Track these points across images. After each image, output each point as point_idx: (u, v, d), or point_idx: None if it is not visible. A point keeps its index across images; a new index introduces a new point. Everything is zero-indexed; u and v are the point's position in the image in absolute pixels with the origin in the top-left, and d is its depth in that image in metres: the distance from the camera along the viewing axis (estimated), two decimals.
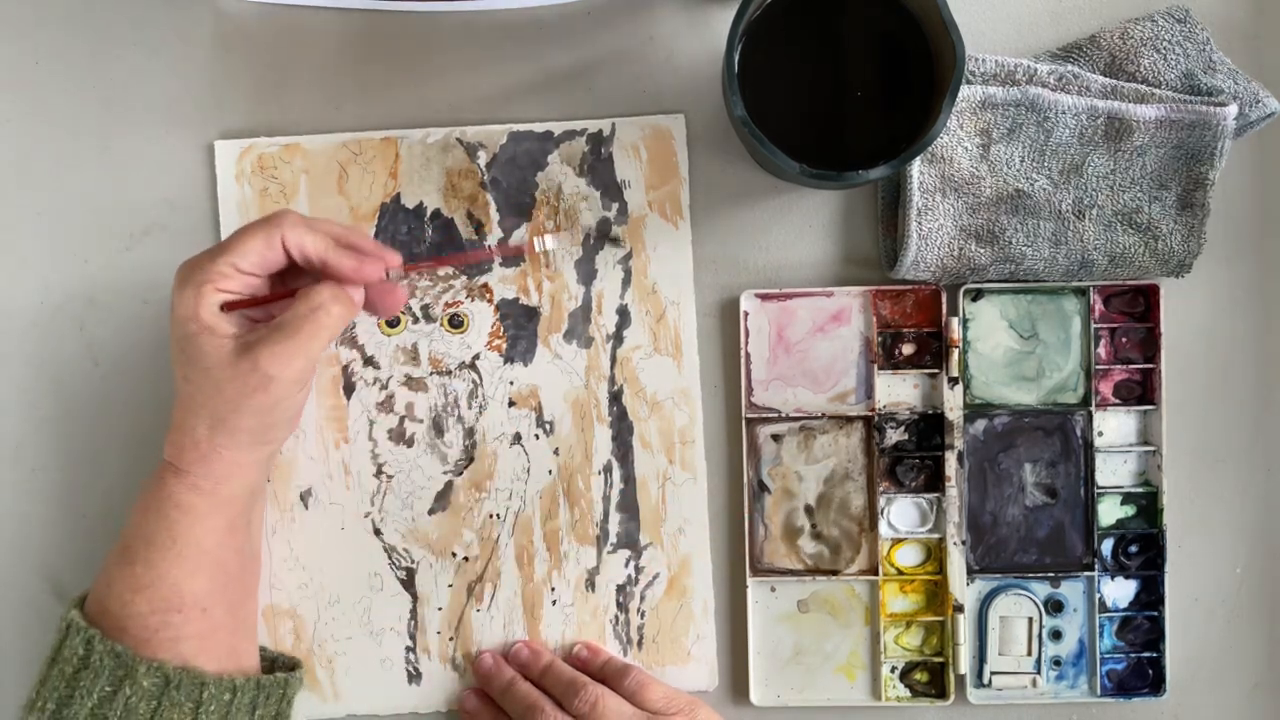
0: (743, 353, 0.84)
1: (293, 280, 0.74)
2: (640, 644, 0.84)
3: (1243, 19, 0.84)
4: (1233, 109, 0.78)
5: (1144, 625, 0.83)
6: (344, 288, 0.72)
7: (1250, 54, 0.83)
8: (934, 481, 0.84)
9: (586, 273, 0.84)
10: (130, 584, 0.71)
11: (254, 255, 0.71)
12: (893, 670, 0.84)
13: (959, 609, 0.82)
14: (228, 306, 0.71)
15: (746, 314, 0.84)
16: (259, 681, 0.74)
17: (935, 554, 0.84)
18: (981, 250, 0.80)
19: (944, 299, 0.83)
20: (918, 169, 0.79)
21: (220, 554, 0.73)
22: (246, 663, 0.76)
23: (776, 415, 0.84)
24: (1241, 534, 0.85)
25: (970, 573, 0.83)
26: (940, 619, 0.83)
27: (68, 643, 0.71)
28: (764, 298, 0.84)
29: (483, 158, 0.84)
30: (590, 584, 0.84)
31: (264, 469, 0.76)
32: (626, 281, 0.84)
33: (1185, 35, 0.81)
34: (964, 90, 0.78)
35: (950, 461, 0.83)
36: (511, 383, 0.84)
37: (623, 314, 0.84)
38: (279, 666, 0.79)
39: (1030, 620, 0.83)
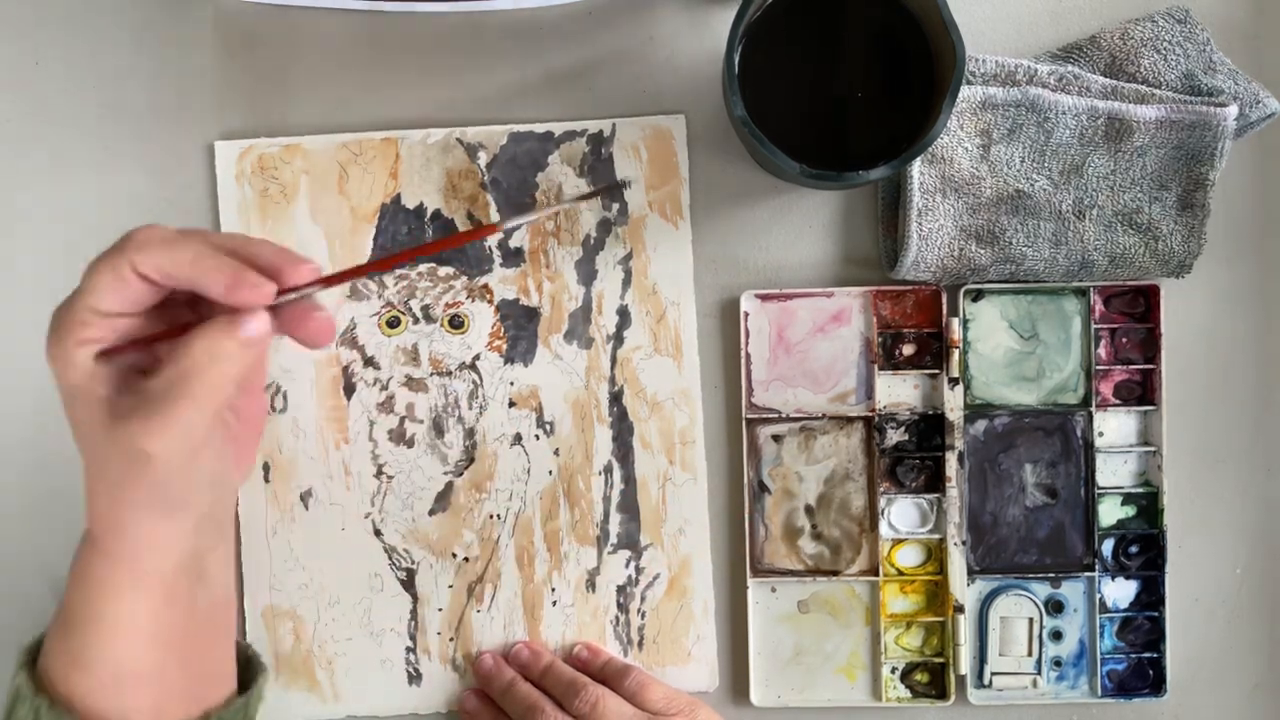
0: (743, 353, 0.84)
1: (196, 307, 0.62)
2: (640, 644, 0.84)
3: (1243, 19, 0.84)
4: (1233, 109, 0.78)
5: (1144, 626, 0.83)
6: (235, 323, 0.58)
7: (1250, 54, 0.83)
8: (934, 482, 0.84)
9: (587, 273, 0.84)
10: (68, 660, 0.63)
11: (107, 293, 0.58)
12: (893, 671, 0.84)
13: (959, 609, 0.83)
14: (104, 354, 0.60)
15: (747, 314, 0.84)
16: (220, 716, 0.67)
17: (935, 554, 0.84)
18: (982, 251, 0.81)
19: (944, 299, 0.83)
20: (918, 169, 0.79)
21: (159, 627, 0.64)
22: (213, 700, 0.68)
23: (777, 416, 0.84)
24: (1242, 534, 0.85)
25: (971, 573, 0.83)
26: (941, 619, 0.84)
27: (17, 710, 0.63)
28: (764, 298, 0.84)
29: (483, 158, 0.84)
30: (590, 584, 0.84)
31: (199, 535, 0.64)
32: (627, 282, 0.84)
33: (1185, 36, 0.81)
34: (964, 90, 0.78)
35: (950, 462, 0.83)
36: (512, 383, 0.84)
37: (623, 314, 0.84)
38: (252, 666, 0.73)
39: (1031, 621, 0.83)
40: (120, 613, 0.63)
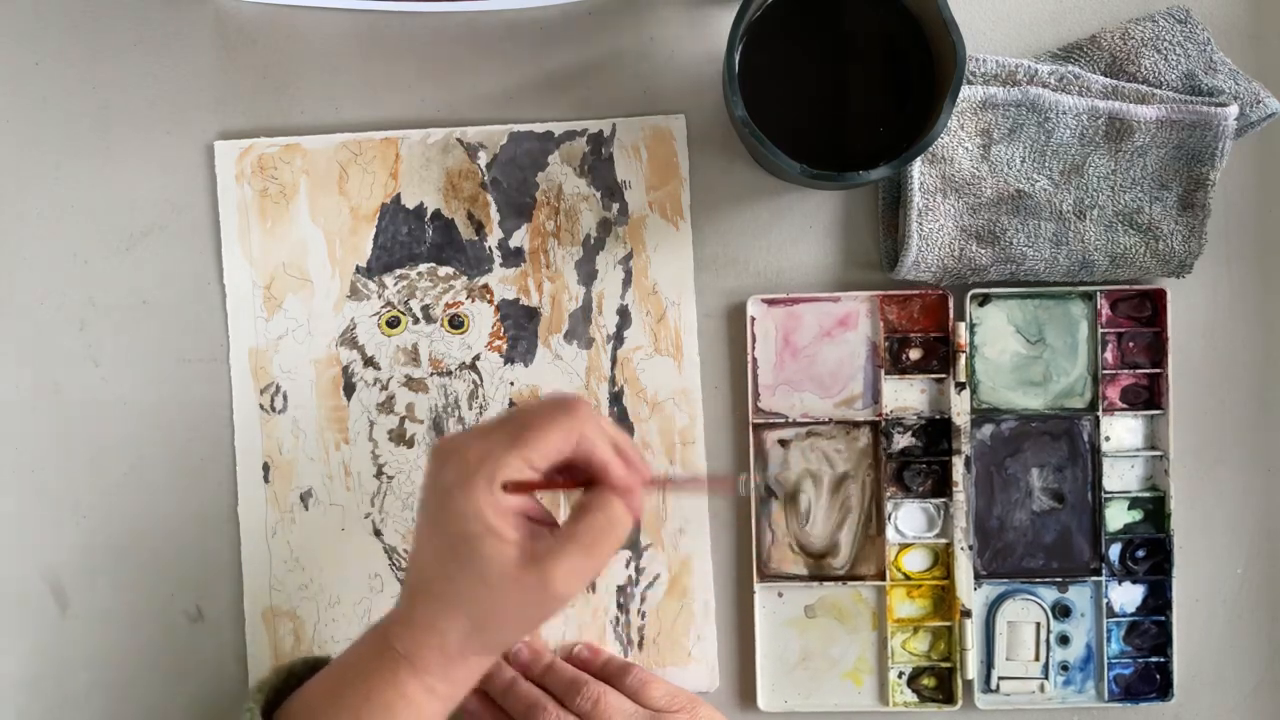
0: (749, 358, 0.89)
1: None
2: (641, 645, 0.89)
3: (1243, 19, 0.89)
4: (1233, 109, 0.83)
5: (1151, 630, 0.89)
6: (628, 504, 0.72)
7: (1250, 54, 0.88)
8: (941, 486, 0.89)
9: (587, 273, 0.89)
10: None
11: (552, 451, 0.69)
12: (900, 675, 0.89)
13: (966, 614, 0.88)
14: (508, 487, 0.69)
15: (753, 319, 0.89)
16: None
17: (943, 559, 0.89)
18: (982, 251, 0.86)
19: (950, 303, 0.88)
20: (918, 169, 0.84)
21: None
22: None
23: (783, 420, 0.89)
24: (1243, 534, 0.90)
25: (978, 577, 0.89)
26: (948, 624, 0.89)
27: None
28: (770, 303, 0.89)
29: (483, 158, 0.89)
30: (590, 585, 0.89)
31: None
32: (627, 282, 0.89)
33: (1186, 35, 0.86)
34: (965, 90, 0.83)
35: (957, 466, 0.88)
36: (512, 383, 0.89)
37: (623, 314, 0.89)
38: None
39: (1038, 625, 0.88)
40: None
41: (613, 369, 0.90)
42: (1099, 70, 0.87)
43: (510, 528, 0.69)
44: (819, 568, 0.90)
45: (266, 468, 0.90)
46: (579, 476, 0.73)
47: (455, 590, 0.69)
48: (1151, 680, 0.90)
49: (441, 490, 0.69)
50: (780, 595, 0.90)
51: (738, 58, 0.79)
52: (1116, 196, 0.86)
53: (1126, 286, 0.89)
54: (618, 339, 0.90)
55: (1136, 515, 0.90)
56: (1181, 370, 0.90)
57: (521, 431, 0.69)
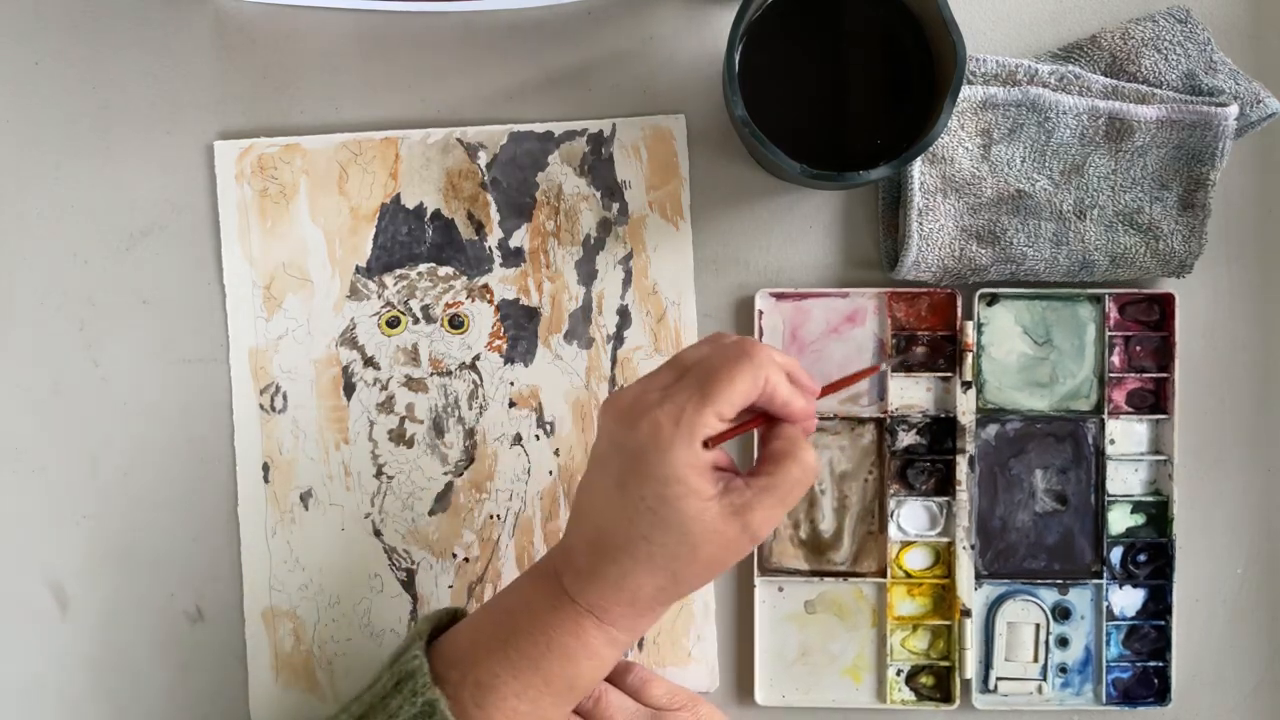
0: None
1: None
2: (640, 644, 0.91)
3: (1243, 19, 0.91)
4: (1234, 109, 0.85)
5: (1151, 634, 0.91)
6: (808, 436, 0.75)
7: (1250, 54, 0.90)
8: (944, 485, 0.91)
9: (587, 273, 0.91)
10: (505, 693, 0.74)
11: (740, 401, 0.71)
12: (898, 673, 0.91)
13: (966, 613, 0.90)
14: (708, 444, 0.71)
15: (761, 313, 0.91)
16: None
17: (944, 558, 0.91)
18: (983, 251, 0.88)
19: (959, 303, 0.90)
20: (918, 169, 0.86)
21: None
22: None
23: None
24: (1243, 534, 0.92)
25: (978, 577, 0.91)
26: (947, 623, 0.91)
27: (403, 688, 0.74)
28: (779, 297, 0.91)
29: (483, 158, 0.91)
30: None
31: None
32: (627, 282, 0.91)
33: (1186, 35, 0.88)
34: (965, 90, 0.85)
35: (961, 465, 0.90)
36: (512, 383, 0.91)
37: (623, 314, 0.91)
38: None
39: (1037, 626, 0.91)
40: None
41: (613, 369, 0.92)
42: (1099, 70, 0.89)
43: (710, 484, 0.71)
44: (820, 563, 0.92)
45: (266, 468, 0.92)
46: (757, 412, 0.75)
47: (655, 550, 0.72)
48: (1149, 684, 0.92)
49: (634, 453, 0.71)
50: (780, 590, 0.92)
51: (738, 58, 0.80)
52: (1117, 196, 0.88)
53: (1134, 290, 0.91)
54: (618, 339, 0.92)
55: (1139, 519, 0.92)
56: (1182, 371, 0.92)
57: (709, 385, 0.71)
